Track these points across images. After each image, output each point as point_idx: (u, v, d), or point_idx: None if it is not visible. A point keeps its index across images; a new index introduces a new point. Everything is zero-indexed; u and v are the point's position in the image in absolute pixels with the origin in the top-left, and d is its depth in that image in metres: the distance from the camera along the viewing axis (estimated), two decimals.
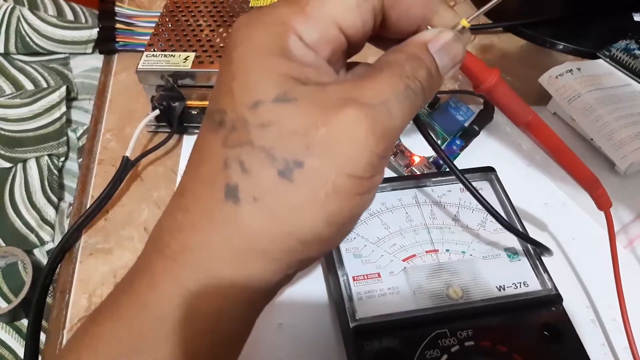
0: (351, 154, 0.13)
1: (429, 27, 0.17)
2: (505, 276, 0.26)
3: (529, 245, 0.28)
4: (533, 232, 0.28)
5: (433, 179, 0.30)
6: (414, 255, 0.27)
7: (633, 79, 0.38)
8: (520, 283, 0.26)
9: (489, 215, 0.26)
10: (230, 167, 0.13)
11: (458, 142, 0.35)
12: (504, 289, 0.26)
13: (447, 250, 0.27)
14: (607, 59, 0.39)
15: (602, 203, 0.24)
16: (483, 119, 0.36)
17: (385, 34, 0.17)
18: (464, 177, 0.24)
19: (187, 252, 0.14)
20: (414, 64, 0.15)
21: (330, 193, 0.13)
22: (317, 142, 0.13)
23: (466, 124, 0.35)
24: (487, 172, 0.31)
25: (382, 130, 0.14)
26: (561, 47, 0.45)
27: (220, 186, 0.13)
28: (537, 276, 0.27)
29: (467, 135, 0.35)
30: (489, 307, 0.25)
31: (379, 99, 0.14)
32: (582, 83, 0.37)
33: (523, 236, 0.27)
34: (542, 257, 0.27)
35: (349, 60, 0.18)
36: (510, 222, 0.29)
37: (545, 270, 0.27)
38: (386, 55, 0.16)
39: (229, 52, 0.15)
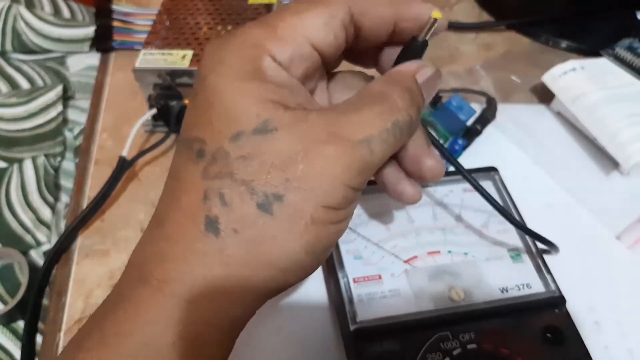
0: (328, 188, 0.14)
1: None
2: (508, 278, 0.26)
3: (532, 246, 0.27)
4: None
5: None
6: (416, 257, 0.27)
7: (637, 77, 0.38)
8: (523, 285, 0.26)
9: (491, 216, 0.25)
10: (210, 199, 0.14)
11: (460, 141, 0.34)
12: (506, 291, 0.26)
13: (449, 252, 0.27)
14: (611, 58, 0.39)
15: None
16: (485, 118, 0.36)
17: (362, 44, 0.17)
18: (468, 174, 0.23)
19: (172, 282, 0.14)
20: (407, 97, 0.16)
21: (309, 224, 0.14)
22: (297, 176, 0.13)
23: (468, 123, 0.35)
24: (490, 172, 0.31)
25: (360, 167, 0.14)
26: (564, 45, 0.44)
27: (200, 218, 0.14)
28: (540, 278, 0.26)
29: (470, 135, 0.35)
30: (491, 309, 0.25)
31: (362, 135, 0.14)
32: (585, 82, 0.37)
33: (529, 232, 0.26)
34: (548, 255, 0.27)
35: (336, 70, 0.18)
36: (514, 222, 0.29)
37: (549, 272, 0.26)
38: (379, 83, 0.16)
39: (203, 77, 0.15)
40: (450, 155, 0.23)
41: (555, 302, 0.25)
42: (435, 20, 0.17)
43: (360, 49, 0.18)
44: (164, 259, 0.14)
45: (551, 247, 0.27)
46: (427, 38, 0.17)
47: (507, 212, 0.25)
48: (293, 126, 0.14)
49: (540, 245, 0.27)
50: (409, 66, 0.17)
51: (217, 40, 0.15)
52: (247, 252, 0.14)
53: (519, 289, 0.26)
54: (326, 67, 0.17)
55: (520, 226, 0.26)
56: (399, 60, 0.18)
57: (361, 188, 0.15)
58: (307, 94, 0.16)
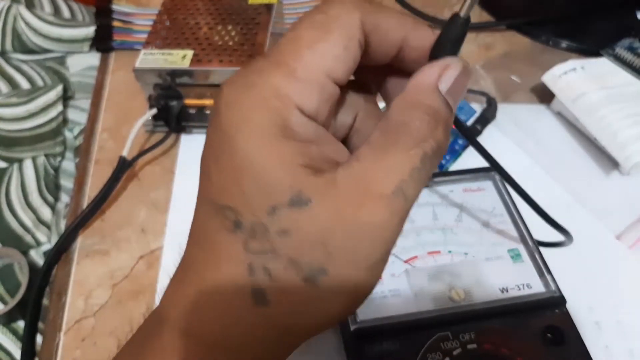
0: (370, 251, 0.14)
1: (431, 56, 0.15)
2: (508, 278, 0.26)
3: (532, 246, 0.27)
4: (536, 233, 0.28)
5: (435, 179, 0.30)
6: (416, 257, 0.27)
7: (637, 77, 0.38)
8: (524, 285, 0.26)
9: (491, 216, 0.25)
10: (256, 273, 0.14)
11: (460, 141, 0.34)
12: (507, 291, 0.26)
13: (450, 252, 0.27)
14: (611, 58, 0.39)
15: None
16: (485, 118, 0.36)
17: (364, 62, 0.16)
18: (480, 145, 0.22)
19: (225, 351, 0.14)
20: (431, 122, 0.14)
21: (354, 290, 0.14)
22: (337, 246, 0.13)
23: (469, 123, 0.35)
24: (490, 172, 0.31)
25: (398, 218, 0.14)
26: (565, 45, 0.44)
27: (247, 290, 0.14)
28: (540, 278, 0.26)
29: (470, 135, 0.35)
30: (491, 309, 0.25)
31: (394, 184, 0.14)
32: (586, 82, 0.37)
33: (547, 217, 0.25)
34: (552, 249, 0.27)
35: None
36: (514, 222, 0.29)
37: (549, 272, 0.26)
38: (397, 110, 0.15)
39: (229, 137, 0.14)
40: (465, 128, 0.20)
41: (555, 302, 0.25)
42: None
43: (360, 71, 0.16)
44: (212, 321, 0.14)
45: (566, 235, 0.26)
46: (469, 15, 0.15)
47: (526, 193, 0.24)
48: (325, 194, 0.14)
49: (550, 239, 0.27)
50: (428, 76, 0.15)
51: (232, 86, 0.14)
52: (294, 321, 0.14)
53: (519, 289, 0.26)
54: None
55: (534, 205, 0.25)
56: (436, 47, 0.15)
57: (399, 234, 0.15)
58: (332, 141, 0.15)
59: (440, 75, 0.15)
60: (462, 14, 0.15)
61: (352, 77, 0.17)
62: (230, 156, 0.14)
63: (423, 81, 0.15)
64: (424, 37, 0.15)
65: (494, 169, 0.22)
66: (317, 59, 0.14)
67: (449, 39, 0.15)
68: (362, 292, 0.15)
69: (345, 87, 0.17)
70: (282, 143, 0.14)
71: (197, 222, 0.15)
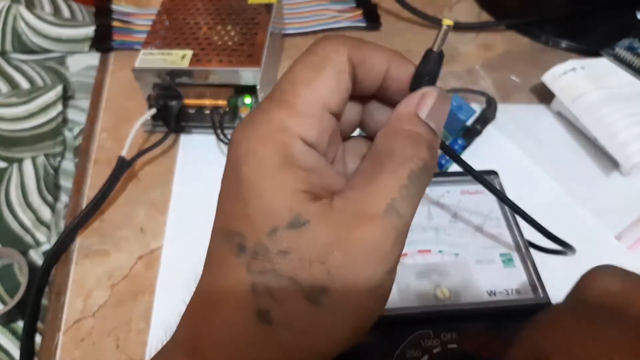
0: (369, 271, 0.14)
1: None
2: (497, 282, 0.26)
3: (524, 252, 0.27)
4: (536, 233, 0.28)
5: (433, 179, 0.30)
6: (405, 254, 0.26)
7: (637, 77, 0.37)
8: (512, 290, 0.26)
9: (486, 219, 0.25)
10: (259, 293, 0.14)
11: (460, 141, 0.34)
12: (494, 294, 0.25)
13: (440, 252, 0.27)
14: (611, 58, 0.39)
15: None
16: (485, 118, 0.36)
17: (352, 93, 0.17)
18: (485, 180, 0.22)
19: None
20: (413, 144, 0.15)
21: (357, 311, 0.15)
22: (336, 265, 0.14)
23: (468, 123, 0.35)
24: (490, 175, 0.30)
25: (394, 235, 0.14)
26: (564, 45, 0.44)
27: (252, 310, 0.14)
28: (530, 284, 0.26)
29: (469, 135, 0.35)
30: (476, 310, 0.24)
31: (385, 203, 0.14)
32: (585, 82, 0.36)
33: (547, 234, 0.25)
34: (565, 256, 0.26)
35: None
36: (509, 227, 0.28)
37: (539, 279, 0.26)
38: (381, 139, 0.16)
39: (237, 168, 0.15)
40: (460, 160, 0.21)
41: (542, 310, 0.25)
42: (449, 27, 0.16)
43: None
44: (217, 343, 0.15)
45: (568, 249, 0.26)
46: (441, 48, 0.17)
47: (523, 211, 0.24)
48: (322, 217, 0.14)
49: (551, 246, 0.27)
50: (407, 105, 0.16)
51: (242, 128, 0.15)
52: (298, 341, 0.14)
53: (507, 294, 0.25)
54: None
55: (534, 223, 0.25)
56: (415, 79, 0.17)
57: (401, 252, 0.15)
58: (330, 171, 0.16)
59: (418, 104, 0.16)
60: (434, 49, 0.17)
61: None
62: (237, 186, 0.15)
63: (403, 111, 0.16)
64: (405, 68, 0.17)
65: (488, 187, 0.22)
66: (314, 94, 0.15)
67: (425, 72, 0.17)
68: (367, 314, 0.15)
69: (353, 140, 0.19)
70: (285, 170, 0.15)
71: (209, 250, 0.16)
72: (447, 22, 0.16)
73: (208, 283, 0.16)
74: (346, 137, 0.19)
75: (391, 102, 0.18)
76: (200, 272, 0.16)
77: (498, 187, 0.30)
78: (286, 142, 0.15)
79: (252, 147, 0.15)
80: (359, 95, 0.17)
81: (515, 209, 0.23)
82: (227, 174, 0.16)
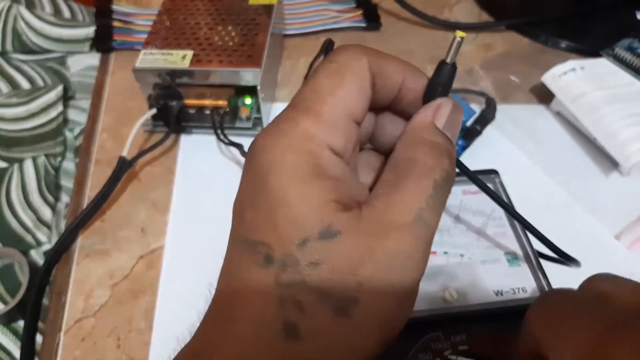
0: (400, 280, 0.14)
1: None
2: (503, 281, 0.26)
3: (529, 251, 0.27)
4: (537, 244, 0.28)
5: None
6: None
7: (637, 77, 0.38)
8: (519, 289, 0.26)
9: (489, 219, 0.25)
10: (287, 306, 0.14)
11: (460, 142, 0.34)
12: (501, 294, 0.25)
13: (445, 253, 0.27)
14: (611, 58, 0.39)
15: None
16: (485, 118, 0.36)
17: (370, 104, 0.17)
18: (486, 187, 0.22)
19: None
20: (435, 154, 0.16)
21: (385, 321, 0.15)
22: (367, 276, 0.14)
23: (468, 124, 0.35)
24: (490, 174, 0.31)
25: (422, 245, 0.15)
26: (564, 45, 0.44)
27: (278, 324, 0.14)
28: (536, 282, 0.26)
29: (469, 135, 0.35)
30: (484, 311, 0.24)
31: (413, 213, 0.14)
32: (585, 82, 0.37)
33: (550, 245, 0.25)
34: (568, 266, 0.26)
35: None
36: (512, 226, 0.28)
37: (545, 277, 0.26)
38: (401, 149, 0.16)
39: (262, 178, 0.15)
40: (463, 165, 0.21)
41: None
42: (462, 39, 0.17)
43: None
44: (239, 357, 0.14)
45: (572, 262, 0.26)
46: (455, 60, 0.17)
47: (527, 222, 0.24)
48: (353, 227, 0.14)
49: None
50: (424, 116, 0.17)
51: (265, 134, 0.15)
52: (327, 354, 0.14)
53: (514, 293, 0.25)
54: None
55: (538, 235, 0.24)
56: (428, 90, 0.17)
57: (427, 260, 0.15)
58: (356, 181, 0.16)
59: (435, 114, 0.17)
60: (447, 60, 0.17)
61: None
62: (265, 195, 0.15)
63: (421, 121, 0.17)
64: (419, 80, 0.17)
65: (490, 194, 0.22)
66: (340, 102, 0.15)
67: (438, 83, 0.17)
68: (394, 324, 0.15)
69: (362, 153, 0.19)
70: (315, 180, 0.14)
71: (228, 261, 0.16)
72: (460, 34, 0.17)
73: (228, 297, 0.15)
74: (361, 147, 0.19)
75: (403, 114, 0.18)
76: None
77: (499, 186, 0.30)
78: (314, 150, 0.15)
79: (279, 155, 0.15)
80: (374, 105, 0.17)
81: (524, 223, 0.23)
82: (248, 182, 0.15)
